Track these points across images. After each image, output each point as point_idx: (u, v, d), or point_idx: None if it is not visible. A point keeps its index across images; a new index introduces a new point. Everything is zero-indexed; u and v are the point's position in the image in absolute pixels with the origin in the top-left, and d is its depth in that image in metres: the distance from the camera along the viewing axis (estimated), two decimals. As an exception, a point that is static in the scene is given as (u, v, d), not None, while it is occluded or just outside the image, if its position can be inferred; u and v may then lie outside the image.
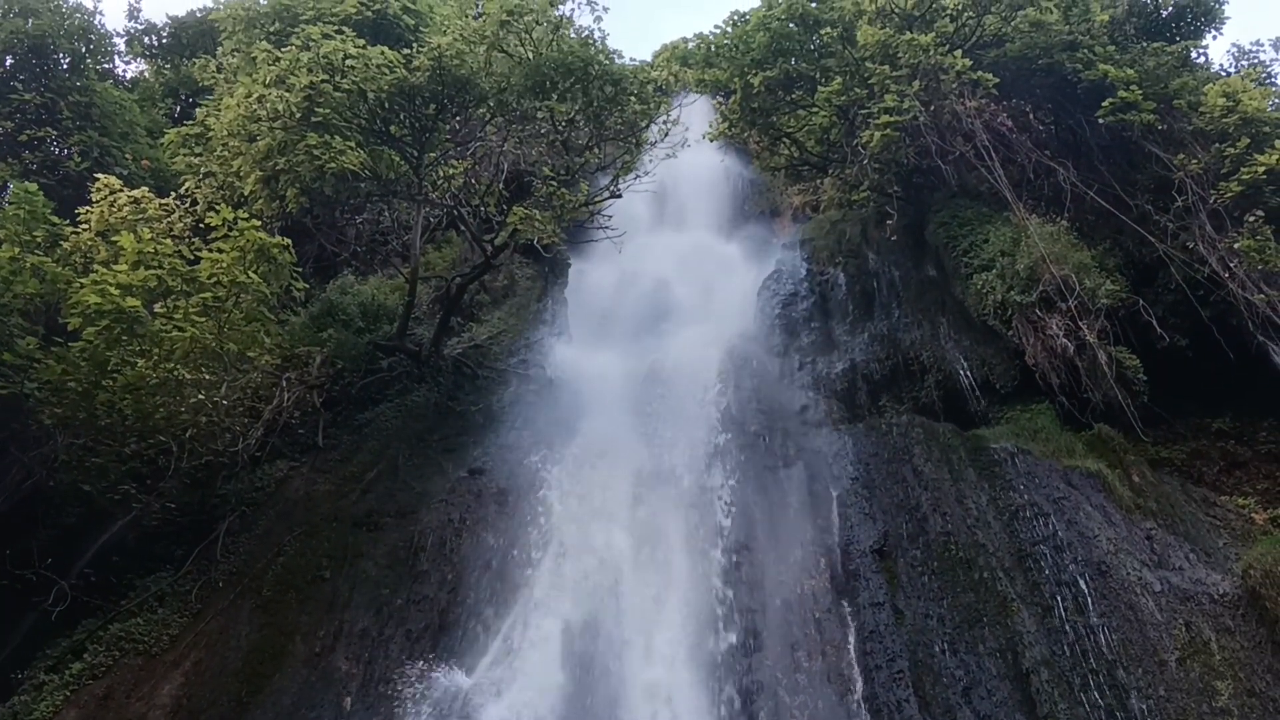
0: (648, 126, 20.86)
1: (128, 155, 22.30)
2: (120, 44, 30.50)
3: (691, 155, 34.08)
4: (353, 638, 14.83)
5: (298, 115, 16.98)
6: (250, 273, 15.21)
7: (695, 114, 31.49)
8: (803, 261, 26.57)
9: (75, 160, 21.44)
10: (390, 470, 18.25)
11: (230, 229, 15.55)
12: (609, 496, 17.79)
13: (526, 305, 24.75)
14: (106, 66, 26.94)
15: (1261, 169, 18.84)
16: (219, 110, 19.13)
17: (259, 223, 15.97)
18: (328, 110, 17.11)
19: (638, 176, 21.11)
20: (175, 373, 14.90)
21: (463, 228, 21.29)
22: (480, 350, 22.07)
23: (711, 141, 28.61)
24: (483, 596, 15.76)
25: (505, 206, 19.66)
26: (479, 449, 19.14)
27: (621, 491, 17.89)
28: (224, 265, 15.02)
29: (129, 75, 31.19)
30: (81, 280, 14.70)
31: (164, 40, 32.11)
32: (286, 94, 17.09)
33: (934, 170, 22.76)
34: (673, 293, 26.93)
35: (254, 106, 17.34)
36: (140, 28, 31.98)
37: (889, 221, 23.88)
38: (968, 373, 20.52)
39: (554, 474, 18.45)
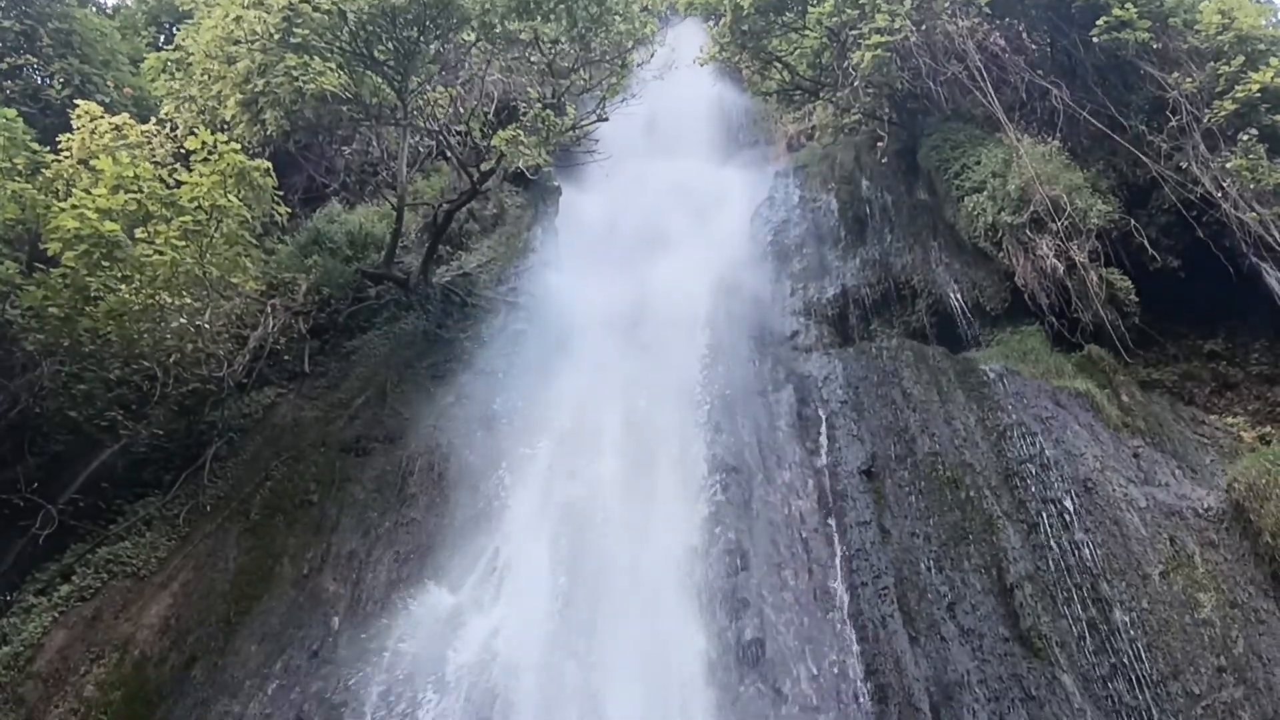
0: (634, 48, 20.58)
1: (109, 83, 22.08)
2: (100, -31, 30.02)
3: (684, 84, 33.88)
4: (340, 559, 14.92)
5: (276, 36, 16.70)
6: (231, 196, 15.06)
7: (686, 39, 31.38)
8: (796, 188, 26.34)
9: (56, 88, 21.22)
10: (378, 397, 18.25)
11: (210, 153, 15.37)
12: (597, 421, 17.74)
13: (516, 234, 24.57)
14: (87, -7, 26.54)
15: (1256, 87, 18.63)
16: (198, 32, 18.80)
17: (239, 146, 15.77)
18: (306, 31, 16.83)
19: (625, 100, 20.86)
20: (157, 298, 14.82)
21: (450, 155, 20.99)
22: (469, 278, 21.96)
23: (701, 66, 28.21)
24: (470, 519, 15.80)
25: (492, 132, 19.39)
26: (467, 375, 19.10)
27: (610, 416, 17.83)
28: (204, 189, 14.86)
29: (110, 2, 30.80)
30: (61, 205, 14.55)
31: (145, -35, 31.59)
32: (264, 14, 16.80)
33: (926, 94, 22.51)
34: (664, 221, 26.62)
35: (231, 27, 17.07)
36: (120, -48, 31.42)
37: (880, 144, 23.59)
38: (958, 296, 20.46)
39: (542, 399, 18.40)
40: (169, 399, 16.56)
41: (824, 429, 17.13)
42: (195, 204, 14.88)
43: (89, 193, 14.61)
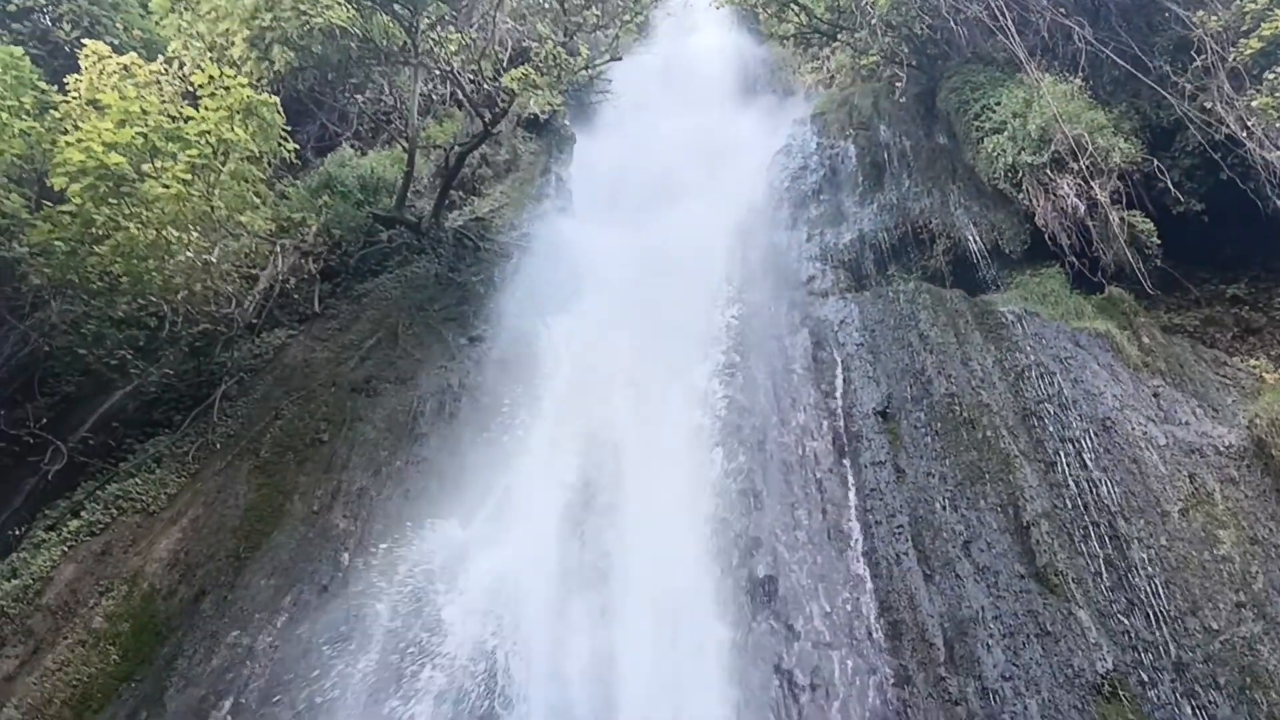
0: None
1: (119, 24, 21.88)
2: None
3: (701, 35, 33.78)
4: (350, 497, 14.88)
5: (283, -30, 16.53)
6: (238, 130, 14.89)
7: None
8: (813, 136, 26.04)
9: (65, 30, 21.05)
10: (390, 338, 18.14)
11: (217, 88, 15.20)
12: (610, 363, 17.61)
13: (530, 179, 24.41)
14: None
15: (1283, 24, 18.20)
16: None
17: (246, 80, 15.59)
18: (314, -35, 16.65)
19: (638, 39, 20.57)
20: (165, 234, 14.70)
21: (462, 97, 20.76)
22: (482, 223, 21.81)
23: (718, 9, 27.88)
24: (481, 459, 15.71)
25: (503, 72, 19.16)
26: (479, 318, 19.01)
27: (623, 358, 17.69)
28: (211, 123, 14.69)
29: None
30: (68, 140, 14.42)
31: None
32: (271, -53, 16.63)
33: (946, 36, 22.17)
34: (680, 169, 26.39)
35: (237, -39, 16.90)
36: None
37: (898, 85, 23.24)
38: (977, 239, 20.17)
39: (555, 342, 18.32)
40: (180, 340, 16.56)
41: (839, 371, 16.94)
42: (202, 138, 14.69)
43: (95, 127, 14.44)
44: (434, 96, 26.76)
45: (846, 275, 21.17)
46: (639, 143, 27.91)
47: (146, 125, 14.56)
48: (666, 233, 22.12)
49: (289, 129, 17.01)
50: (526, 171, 24.69)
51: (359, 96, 26.17)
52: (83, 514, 14.20)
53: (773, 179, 25.01)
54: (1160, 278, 17.95)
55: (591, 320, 18.91)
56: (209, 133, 14.71)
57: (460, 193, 22.90)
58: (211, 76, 15.07)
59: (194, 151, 14.58)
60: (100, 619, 12.65)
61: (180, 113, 15.34)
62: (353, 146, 24.57)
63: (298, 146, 17.14)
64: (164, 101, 16.06)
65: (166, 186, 14.37)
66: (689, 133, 28.48)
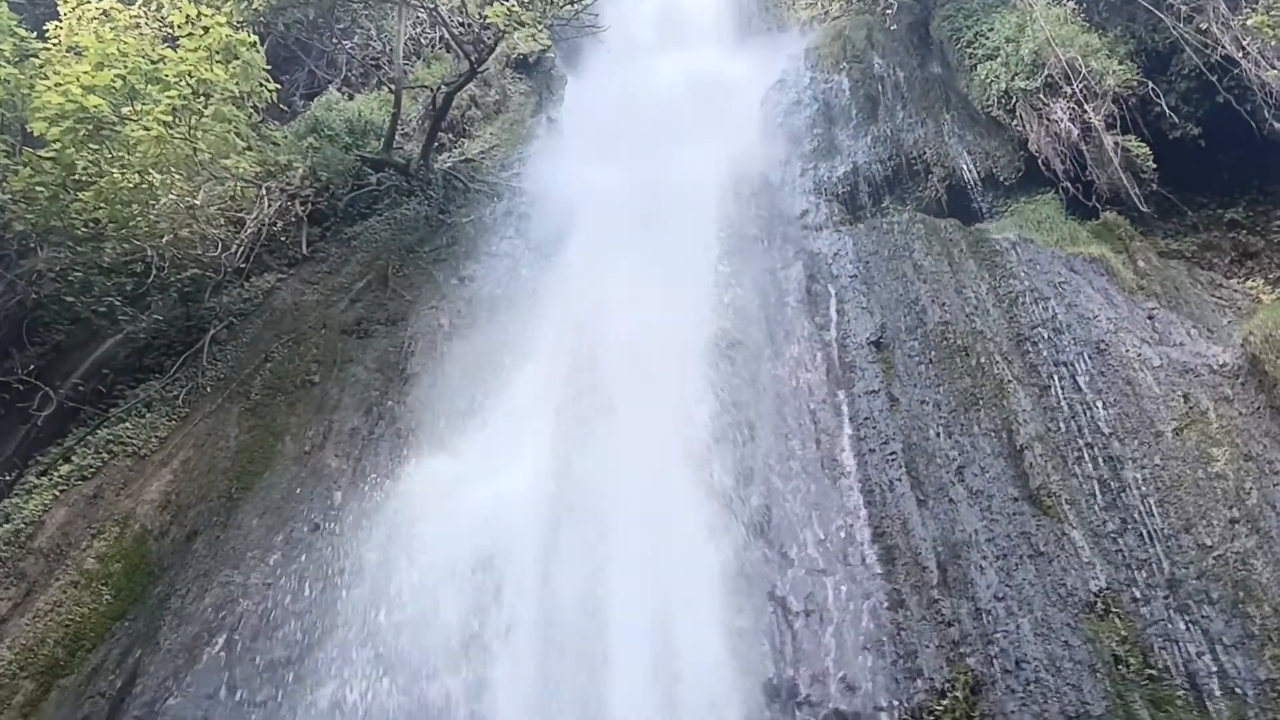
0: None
1: (98, -33, 21.56)
2: None
3: (697, -29, 33.33)
4: (342, 436, 14.88)
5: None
6: (217, 69, 14.72)
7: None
8: (807, 70, 25.66)
9: (45, -24, 20.77)
10: (379, 280, 18.06)
11: (195, 27, 15.00)
12: (602, 300, 17.48)
13: (520, 120, 24.18)
14: None
15: (1280, -61, 17.89)
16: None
17: (225, 19, 15.39)
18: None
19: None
20: (147, 178, 14.58)
21: (447, 34, 20.50)
22: (472, 164, 21.64)
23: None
24: (473, 396, 15.69)
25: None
26: (470, 259, 18.89)
27: (615, 295, 17.55)
28: (190, 63, 14.51)
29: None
30: (46, 84, 14.28)
31: None
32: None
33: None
34: (674, 110, 25.99)
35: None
36: None
37: (889, 12, 22.91)
38: (971, 167, 19.97)
39: (546, 280, 18.21)
40: (169, 286, 16.45)
41: (833, 303, 16.86)
42: (181, 79, 14.52)
43: (73, 70, 14.29)
44: (422, 40, 26.54)
45: (841, 208, 20.98)
46: (632, 84, 27.56)
47: (125, 67, 14.40)
48: (659, 171, 21.86)
49: (277, 76, 16.86)
50: (517, 113, 24.45)
51: (347, 43, 25.97)
52: (73, 459, 14.18)
53: (766, 115, 24.71)
54: (1157, 203, 17.82)
55: (583, 256, 18.79)
56: (188, 73, 14.50)
57: (450, 135, 22.72)
58: (189, 16, 14.85)
59: (173, 93, 14.41)
60: (92, 560, 12.65)
61: (159, 54, 15.11)
62: (341, 92, 24.30)
63: (279, 87, 16.89)
64: (143, 42, 15.78)
65: (147, 129, 14.21)
66: (682, 73, 28.15)
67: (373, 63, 25.81)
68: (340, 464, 14.45)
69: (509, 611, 12.14)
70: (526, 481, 13.72)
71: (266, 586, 12.50)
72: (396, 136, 21.47)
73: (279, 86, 16.81)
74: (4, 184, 14.88)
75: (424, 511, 13.40)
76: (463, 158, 21.91)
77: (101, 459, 14.20)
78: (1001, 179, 19.49)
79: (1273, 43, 17.26)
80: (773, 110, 24.77)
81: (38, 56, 16.54)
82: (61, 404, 15.37)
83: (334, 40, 25.51)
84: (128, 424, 14.79)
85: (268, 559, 12.91)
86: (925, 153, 20.96)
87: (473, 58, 19.78)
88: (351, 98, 24.09)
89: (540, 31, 18.91)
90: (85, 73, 14.12)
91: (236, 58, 15.29)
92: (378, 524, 13.32)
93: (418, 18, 25.40)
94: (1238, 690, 10.65)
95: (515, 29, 18.22)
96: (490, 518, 13.15)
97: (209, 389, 15.39)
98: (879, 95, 23.49)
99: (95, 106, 13.79)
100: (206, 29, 14.94)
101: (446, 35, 20.50)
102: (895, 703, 11.13)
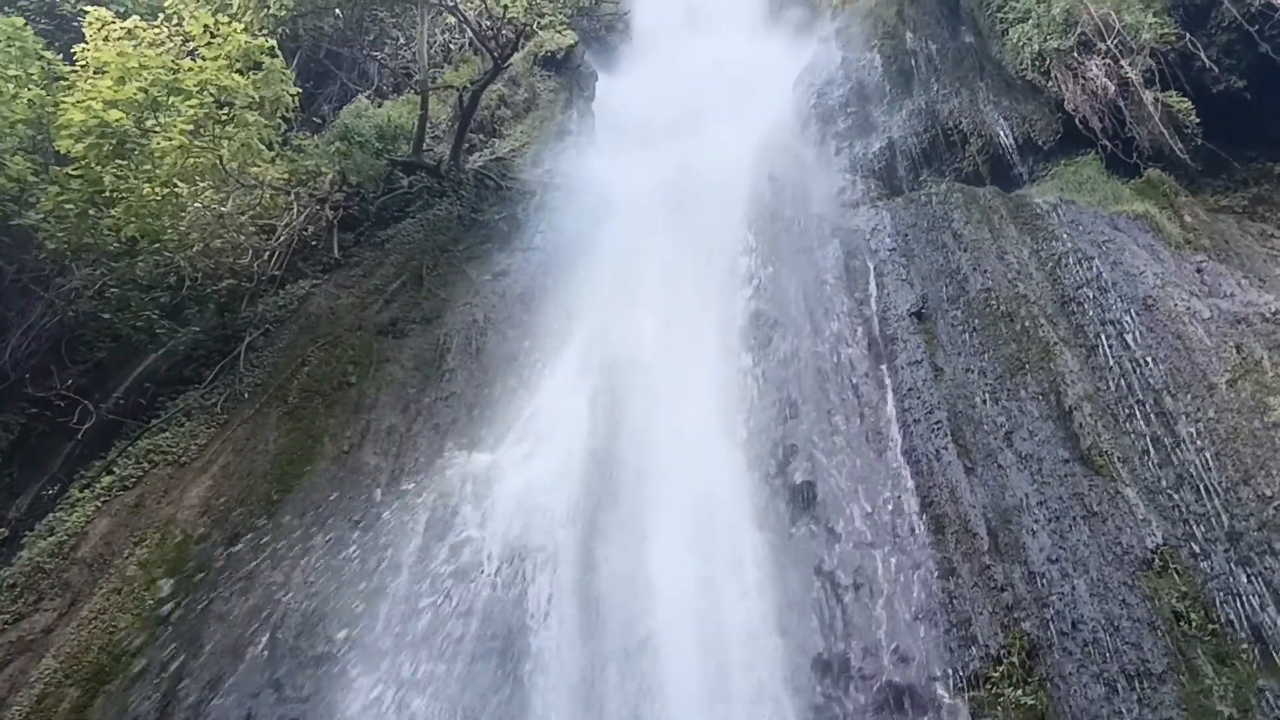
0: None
1: (123, -10, 21.79)
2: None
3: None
4: (380, 435, 14.83)
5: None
6: (236, 76, 14.73)
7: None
8: (838, 50, 25.49)
9: (70, 2, 21.01)
10: (414, 281, 18.02)
11: (214, 36, 15.03)
12: (637, 289, 17.42)
13: (550, 117, 24.11)
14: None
15: (1316, -122, 17.36)
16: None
17: (244, 27, 15.42)
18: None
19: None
20: (174, 189, 14.64)
21: (469, 30, 20.46)
22: (503, 163, 21.61)
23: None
24: (509, 388, 15.66)
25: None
26: (504, 254, 18.85)
27: (650, 284, 17.52)
28: (210, 72, 14.53)
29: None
30: (69, 101, 14.36)
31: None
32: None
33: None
34: (704, 96, 25.99)
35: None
36: None
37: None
38: (1008, 133, 19.59)
39: (581, 271, 18.11)
40: (206, 298, 16.52)
41: (872, 278, 16.59)
42: (201, 88, 14.53)
43: (95, 85, 14.38)
44: (451, 46, 26.61)
45: (877, 184, 20.77)
46: (663, 75, 27.68)
47: (146, 80, 14.46)
48: (692, 158, 21.72)
49: (309, 90, 16.91)
50: (547, 110, 24.38)
51: (377, 54, 26.13)
52: (115, 470, 14.25)
53: (798, 97, 24.61)
54: (1204, 159, 17.36)
55: (617, 246, 18.71)
56: (208, 82, 14.52)
57: (480, 135, 22.73)
58: (206, 26, 14.89)
59: (195, 102, 14.44)
60: (134, 566, 12.66)
61: (179, 65, 15.14)
62: (370, 100, 24.40)
63: (300, 91, 16.86)
64: (164, 55, 15.83)
65: (170, 139, 14.26)
66: (713, 60, 28.15)
67: (403, 71, 25.95)
68: (379, 461, 14.39)
69: (548, 599, 11.99)
70: (562, 468, 13.60)
71: (308, 585, 12.44)
72: (427, 139, 21.52)
73: (300, 91, 16.76)
74: (35, 204, 14.99)
75: (462, 503, 13.30)
76: (493, 156, 21.88)
77: (143, 469, 14.25)
78: (1040, 143, 19.09)
79: (1313, -16, 16.78)
80: (805, 91, 24.61)
81: (65, 79, 16.69)
82: (103, 418, 15.48)
83: (364, 52, 25.68)
84: (168, 433, 14.84)
85: (309, 558, 12.87)
86: (961, 123, 20.61)
87: (496, 54, 19.73)
88: (380, 105, 24.15)
89: (564, 27, 18.67)
90: (108, 87, 14.18)
91: (258, 65, 15.27)
92: (417, 517, 13.25)
93: (446, 23, 25.48)
94: (1304, 641, 10.30)
95: (536, 21, 18.08)
96: (526, 507, 13.05)
97: (247, 395, 15.40)
98: (912, 70, 23.21)
99: (117, 120, 13.83)
100: (225, 37, 14.94)
101: (471, 34, 20.40)
102: (950, 671, 10.89)
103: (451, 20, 24.15)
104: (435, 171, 20.16)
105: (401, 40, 25.92)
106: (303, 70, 23.76)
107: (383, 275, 18.20)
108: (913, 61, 23.41)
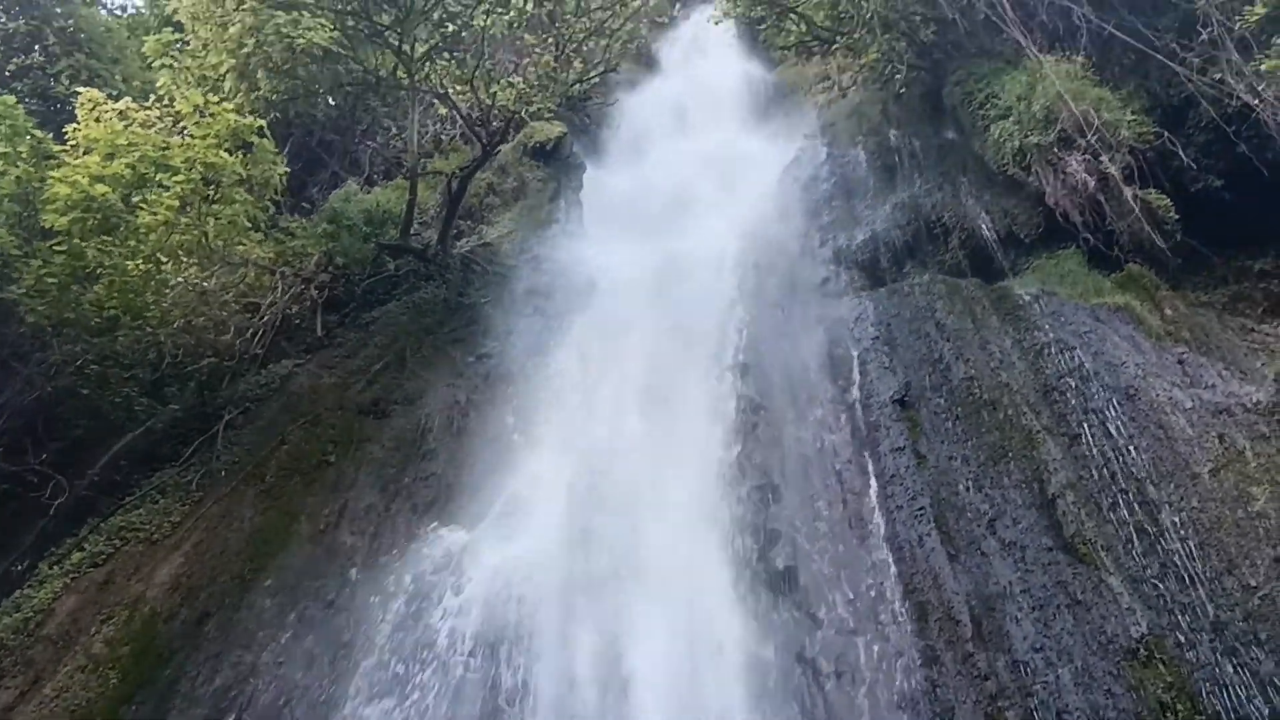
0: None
1: (118, 76, 22.07)
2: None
3: (711, 65, 34.02)
4: (357, 514, 14.66)
5: (265, -3, 16.45)
6: (223, 154, 14.82)
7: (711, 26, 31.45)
8: (823, 147, 25.93)
9: (64, 84, 21.23)
10: (398, 362, 17.96)
11: (203, 115, 15.15)
12: (620, 370, 17.37)
13: (538, 206, 24.28)
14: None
15: (1288, -12, 17.77)
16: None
17: (232, 106, 15.55)
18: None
19: (626, 45, 20.39)
20: (158, 264, 14.63)
21: (458, 117, 20.67)
22: (490, 248, 21.69)
23: (716, 24, 28.07)
24: (489, 468, 15.49)
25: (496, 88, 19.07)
26: (488, 337, 18.79)
27: (633, 366, 17.45)
28: (197, 149, 14.62)
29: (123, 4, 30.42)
30: (56, 176, 14.42)
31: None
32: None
33: (947, 31, 21.90)
34: (691, 190, 26.26)
35: (219, -13, 16.84)
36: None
37: (899, 76, 22.91)
38: (990, 226, 19.78)
39: (565, 354, 18.10)
40: (187, 376, 16.42)
41: (855, 365, 16.57)
42: (189, 166, 14.60)
43: (83, 161, 14.45)
44: (442, 137, 26.90)
45: (861, 275, 20.88)
46: (650, 168, 27.94)
47: (133, 157, 14.52)
48: (677, 248, 21.87)
49: (301, 177, 17.00)
50: (535, 199, 24.58)
51: (370, 143, 26.39)
52: (86, 546, 14.07)
53: (784, 191, 24.85)
54: (1184, 256, 17.50)
55: (603, 330, 18.68)
56: (196, 159, 14.59)
57: (469, 221, 22.86)
58: (196, 105, 15.00)
59: (181, 178, 14.49)
60: (100, 645, 12.41)
61: (168, 143, 15.22)
62: (361, 188, 24.60)
63: (288, 170, 16.98)
64: (152, 134, 15.94)
65: (155, 214, 14.27)
66: (700, 156, 28.44)
67: (394, 160, 26.19)
68: (355, 540, 14.19)
69: (522, 680, 11.76)
70: (540, 549, 13.45)
71: (278, 665, 12.19)
72: (416, 225, 21.61)
73: (288, 171, 16.86)
74: (18, 279, 14.95)
75: (438, 580, 13.09)
76: (481, 242, 21.97)
77: (114, 545, 14.05)
78: (1022, 236, 19.27)
79: (1289, 85, 17.09)
80: (790, 186, 24.88)
81: (55, 157, 16.77)
82: (77, 494, 15.28)
83: (356, 141, 25.93)
84: (141, 510, 14.66)
85: (280, 637, 12.61)
86: (944, 216, 20.82)
87: (485, 142, 19.92)
88: (370, 191, 24.33)
89: (553, 118, 18.89)
90: (96, 163, 14.25)
91: (248, 146, 15.36)
92: (392, 595, 13.04)
93: (437, 114, 25.77)
94: (1293, 731, 10.12)
95: (525, 109, 18.27)
96: (502, 587, 12.87)
97: (223, 473, 15.24)
98: (896, 165, 23.55)
99: (103, 195, 13.87)
100: (215, 116, 15.05)
101: (461, 124, 20.62)
102: (933, 762, 10.68)
103: (443, 111, 24.42)
104: (422, 255, 20.22)
105: (394, 130, 26.19)
106: (294, 156, 23.93)
107: (366, 356, 18.15)
108: (896, 158, 23.76)
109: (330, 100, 20.17)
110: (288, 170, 16.74)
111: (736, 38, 35.05)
